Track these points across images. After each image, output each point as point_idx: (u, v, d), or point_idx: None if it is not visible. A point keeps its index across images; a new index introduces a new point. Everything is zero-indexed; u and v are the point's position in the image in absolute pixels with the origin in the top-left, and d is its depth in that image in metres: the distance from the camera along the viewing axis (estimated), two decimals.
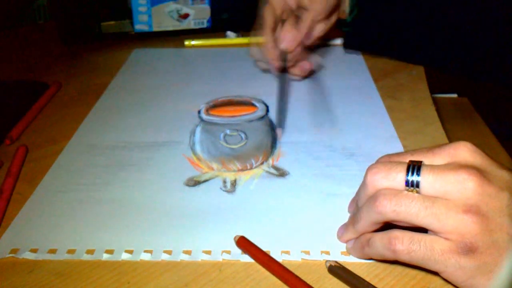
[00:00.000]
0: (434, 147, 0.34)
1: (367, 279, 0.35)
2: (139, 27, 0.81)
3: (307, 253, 0.38)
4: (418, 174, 0.32)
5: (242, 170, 0.47)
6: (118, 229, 0.40)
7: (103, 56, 0.78)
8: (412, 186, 0.32)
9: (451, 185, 0.31)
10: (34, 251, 0.38)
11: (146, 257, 0.37)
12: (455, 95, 0.74)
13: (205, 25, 0.83)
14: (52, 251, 0.38)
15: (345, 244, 0.38)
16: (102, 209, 0.43)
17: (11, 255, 0.38)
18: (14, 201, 0.44)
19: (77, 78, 0.70)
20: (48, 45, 0.82)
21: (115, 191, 0.45)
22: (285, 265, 0.36)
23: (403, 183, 0.32)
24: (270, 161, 0.49)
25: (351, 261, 0.37)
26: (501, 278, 0.17)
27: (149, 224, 0.41)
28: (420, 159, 0.33)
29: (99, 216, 0.42)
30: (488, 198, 0.31)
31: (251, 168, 0.47)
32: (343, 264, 0.36)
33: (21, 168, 0.49)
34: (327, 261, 0.36)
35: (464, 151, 0.33)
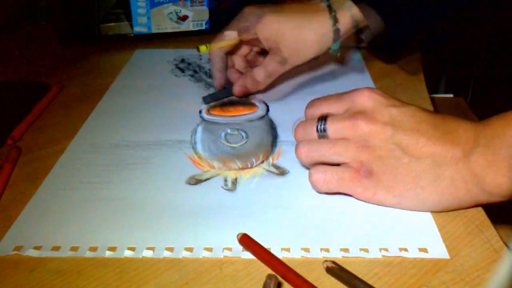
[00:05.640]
0: (341, 95, 0.44)
1: (365, 278, 0.35)
2: (138, 29, 0.81)
3: (307, 250, 0.38)
4: (325, 125, 0.42)
5: (243, 168, 0.48)
6: (120, 227, 0.41)
7: (104, 58, 0.78)
8: (322, 132, 0.42)
9: (347, 129, 0.41)
10: (37, 248, 0.38)
11: (148, 254, 0.38)
12: (451, 95, 0.75)
13: (204, 27, 0.84)
14: (56, 248, 0.38)
15: (344, 241, 0.39)
16: (105, 207, 0.43)
17: (15, 252, 0.38)
18: (15, 200, 0.44)
19: (79, 79, 0.70)
20: (50, 46, 0.82)
21: (117, 189, 0.45)
22: (285, 263, 0.36)
23: (315, 133, 0.43)
24: (270, 159, 0.49)
25: (350, 257, 0.37)
26: (500, 278, 0.17)
27: (151, 221, 0.41)
28: (330, 107, 0.44)
29: (102, 214, 0.42)
30: (375, 133, 0.40)
31: (251, 167, 0.48)
32: (342, 262, 0.36)
33: (13, 169, 0.49)
34: (324, 261, 0.36)
35: (360, 98, 0.42)
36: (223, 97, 0.59)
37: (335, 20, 0.56)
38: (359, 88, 0.43)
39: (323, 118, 0.43)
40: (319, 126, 0.43)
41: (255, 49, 0.63)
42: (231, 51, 0.61)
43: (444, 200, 0.40)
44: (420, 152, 0.39)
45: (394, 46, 0.63)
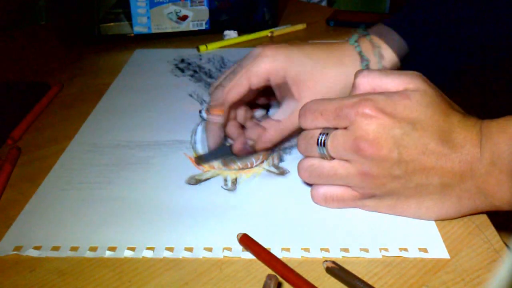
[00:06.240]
0: (340, 110, 0.38)
1: (366, 277, 0.35)
2: (138, 29, 0.81)
3: (307, 250, 0.38)
4: (325, 140, 0.39)
5: (242, 168, 0.48)
6: (120, 227, 0.41)
7: (104, 58, 0.78)
8: (322, 146, 0.39)
9: (349, 153, 0.38)
10: (37, 248, 0.38)
11: (148, 254, 0.38)
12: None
13: (204, 27, 0.84)
14: (55, 249, 0.38)
15: (344, 241, 0.39)
16: (105, 207, 0.43)
17: (14, 252, 0.38)
18: (15, 200, 0.44)
19: (78, 79, 0.70)
20: (50, 46, 0.82)
21: (117, 189, 0.45)
22: (285, 263, 0.36)
23: (317, 152, 0.40)
24: (271, 159, 0.49)
25: (350, 257, 0.37)
26: (500, 278, 0.17)
27: (151, 221, 0.41)
28: (327, 123, 0.40)
29: (102, 214, 0.42)
30: (378, 161, 0.37)
31: (251, 167, 0.48)
32: (342, 262, 0.36)
33: (13, 169, 0.49)
34: (324, 261, 0.36)
35: (362, 119, 0.37)
36: (222, 156, 0.49)
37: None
38: (360, 102, 0.38)
39: (325, 133, 0.40)
40: (320, 139, 0.40)
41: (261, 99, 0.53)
42: (237, 103, 0.49)
43: (448, 216, 0.40)
44: (427, 176, 0.38)
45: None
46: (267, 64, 0.46)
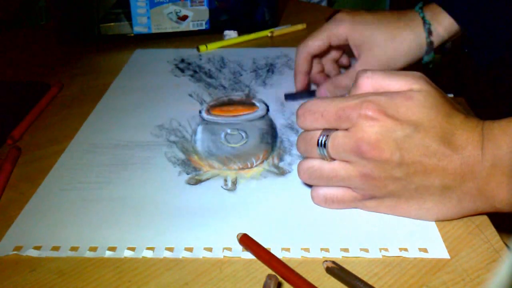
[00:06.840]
0: (342, 111, 0.38)
1: (366, 278, 0.35)
2: (138, 29, 0.81)
3: (307, 250, 0.38)
4: (326, 141, 0.39)
5: (243, 168, 0.48)
6: (120, 227, 0.41)
7: (104, 58, 0.78)
8: (322, 147, 0.39)
9: (350, 155, 0.38)
10: (37, 248, 0.38)
11: (148, 254, 0.38)
12: (451, 95, 0.75)
13: (204, 27, 0.84)
14: (55, 249, 0.38)
15: (344, 241, 0.39)
16: (105, 207, 0.43)
17: (14, 252, 0.38)
18: (15, 200, 0.44)
19: (78, 79, 0.70)
20: (50, 46, 0.82)
21: (117, 189, 0.45)
22: (285, 263, 0.36)
23: (317, 153, 0.40)
24: (271, 159, 0.49)
25: (350, 257, 0.37)
26: (500, 277, 0.17)
27: (151, 221, 0.41)
28: (327, 125, 0.39)
29: (102, 214, 0.42)
30: (380, 164, 0.37)
31: (251, 167, 0.48)
32: (342, 262, 0.36)
33: (13, 169, 0.49)
34: (324, 261, 0.36)
35: (364, 121, 0.37)
36: (306, 98, 0.58)
37: (429, 33, 0.56)
38: (362, 103, 0.37)
39: (325, 134, 0.40)
40: (320, 140, 0.39)
41: (343, 59, 0.64)
42: (320, 55, 0.61)
43: (448, 217, 0.40)
44: (428, 178, 0.37)
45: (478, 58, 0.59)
46: (333, 28, 0.57)
